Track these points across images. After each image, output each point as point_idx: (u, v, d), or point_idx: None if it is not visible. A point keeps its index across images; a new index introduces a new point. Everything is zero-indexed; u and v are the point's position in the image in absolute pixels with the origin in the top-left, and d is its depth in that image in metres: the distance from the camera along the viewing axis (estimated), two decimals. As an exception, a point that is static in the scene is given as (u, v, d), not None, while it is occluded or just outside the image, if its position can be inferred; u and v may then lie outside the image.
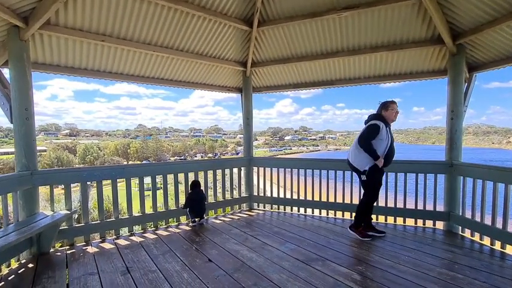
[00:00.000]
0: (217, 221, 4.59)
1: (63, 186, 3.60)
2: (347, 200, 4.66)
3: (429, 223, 4.27)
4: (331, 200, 4.78)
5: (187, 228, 4.23)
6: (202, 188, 4.56)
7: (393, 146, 3.67)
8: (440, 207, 4.16)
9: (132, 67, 4.31)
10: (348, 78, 5.05)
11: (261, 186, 5.54)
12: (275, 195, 5.26)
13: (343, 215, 4.76)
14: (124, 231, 4.13)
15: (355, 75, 4.98)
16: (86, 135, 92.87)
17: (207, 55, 4.69)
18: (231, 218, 4.79)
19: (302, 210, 5.04)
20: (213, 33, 4.40)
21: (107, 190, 4.00)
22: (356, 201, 4.64)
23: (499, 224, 3.40)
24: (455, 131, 4.04)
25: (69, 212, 3.42)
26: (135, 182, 4.23)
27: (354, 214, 4.65)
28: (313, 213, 4.97)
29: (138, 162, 65.79)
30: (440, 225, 4.19)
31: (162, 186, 4.46)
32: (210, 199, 4.93)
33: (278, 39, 4.71)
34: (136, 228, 4.21)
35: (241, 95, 5.52)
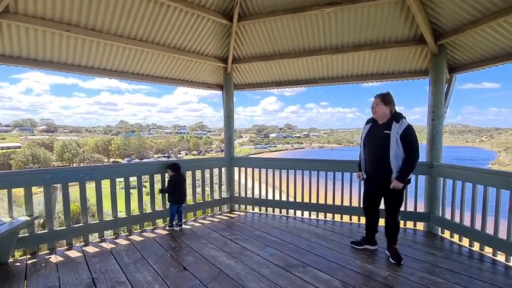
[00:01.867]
0: (196, 224, 4.39)
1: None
2: (329, 201, 4.59)
3: (410, 224, 4.27)
4: (314, 201, 4.69)
5: (164, 232, 4.01)
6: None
7: (374, 150, 3.10)
8: (421, 208, 4.16)
9: (103, 60, 4.00)
10: (331, 77, 4.96)
11: (243, 186, 5.37)
12: (257, 196, 5.13)
13: (325, 217, 4.68)
14: (95, 236, 3.85)
15: (338, 74, 4.90)
16: (64, 131, 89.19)
17: (185, 50, 4.45)
18: (210, 220, 4.60)
19: (284, 211, 4.93)
20: (191, 27, 4.17)
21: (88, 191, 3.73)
22: (338, 202, 4.58)
23: (477, 226, 3.42)
24: (436, 132, 4.04)
25: (29, 218, 3.11)
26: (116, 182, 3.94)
27: (335, 216, 4.61)
28: (295, 214, 4.87)
29: (120, 159, 64.02)
30: (420, 226, 4.20)
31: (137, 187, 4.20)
32: (189, 200, 4.71)
33: (260, 34, 4.54)
34: (108, 234, 3.95)
35: (223, 92, 5.31)
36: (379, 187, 3.17)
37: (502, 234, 3.16)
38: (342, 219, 4.62)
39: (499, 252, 3.22)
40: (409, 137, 2.89)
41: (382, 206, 3.32)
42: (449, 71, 4.22)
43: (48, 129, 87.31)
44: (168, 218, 4.38)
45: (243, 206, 5.27)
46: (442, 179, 3.95)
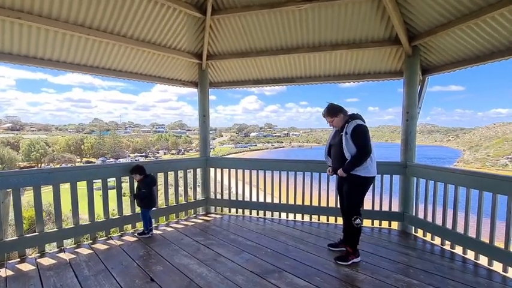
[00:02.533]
0: (169, 229, 4.14)
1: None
2: (307, 202, 4.52)
3: (385, 224, 4.30)
4: (291, 202, 4.61)
5: (132, 239, 3.73)
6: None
7: (335, 151, 3.24)
8: (396, 208, 4.20)
9: (63, 53, 3.64)
10: (308, 76, 4.89)
11: (219, 188, 5.18)
12: (234, 197, 4.96)
13: (302, 218, 4.61)
14: (53, 246, 3.50)
15: (316, 74, 4.84)
16: (32, 129, 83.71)
17: (156, 43, 4.17)
18: (184, 224, 4.37)
19: (262, 213, 4.80)
20: (161, 19, 3.89)
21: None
22: (316, 202, 4.53)
23: (449, 225, 3.49)
24: (409, 133, 4.08)
25: (-29, 230, 2.74)
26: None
27: (312, 217, 4.56)
28: (272, 216, 4.76)
29: (94, 159, 61.16)
30: (395, 225, 4.24)
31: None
32: (161, 204, 4.46)
33: (235, 30, 4.36)
34: (69, 243, 3.61)
35: (198, 90, 5.08)
36: (341, 185, 3.27)
37: (472, 233, 3.23)
38: (319, 220, 4.58)
39: (468, 250, 3.28)
40: (356, 135, 2.96)
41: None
42: (422, 72, 4.28)
43: (14, 127, 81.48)
44: (138, 224, 4.11)
45: (219, 209, 5.08)
46: (415, 178, 4.00)
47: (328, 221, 4.50)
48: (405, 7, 3.51)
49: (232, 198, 5.02)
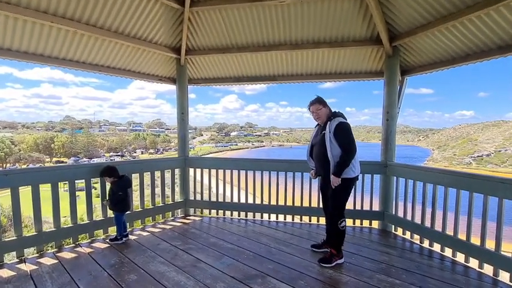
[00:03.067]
0: (144, 233, 3.89)
1: None
2: (289, 202, 4.45)
3: (366, 223, 4.32)
4: (273, 202, 4.51)
5: (103, 246, 3.45)
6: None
7: (317, 150, 3.13)
8: (376, 207, 4.23)
9: (24, 42, 3.28)
10: (290, 74, 4.81)
11: (198, 188, 4.98)
12: (214, 198, 4.79)
13: (285, 218, 4.53)
14: (12, 256, 3.15)
15: (297, 72, 4.77)
16: (-5, 127, 77.69)
17: (129, 35, 3.87)
18: (161, 228, 4.13)
19: (243, 214, 4.66)
20: (135, 8, 3.62)
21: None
22: (298, 202, 4.47)
23: (427, 223, 3.54)
24: (390, 132, 4.12)
25: None
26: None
27: (294, 217, 4.49)
28: (254, 217, 4.64)
29: (65, 159, 57.99)
30: (376, 224, 4.27)
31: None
32: (136, 206, 4.19)
33: (216, 24, 4.17)
34: (30, 252, 3.27)
35: (176, 86, 4.83)
36: (325, 185, 3.20)
37: (449, 231, 3.29)
38: (301, 220, 4.52)
39: (446, 248, 3.35)
40: (339, 132, 2.89)
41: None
42: (401, 73, 4.34)
43: (-26, 124, 75.28)
44: (111, 229, 3.82)
45: (198, 210, 4.88)
46: (395, 178, 4.04)
47: (310, 221, 4.45)
48: (387, 6, 3.51)
49: (212, 199, 4.83)
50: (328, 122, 2.98)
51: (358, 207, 4.25)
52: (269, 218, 4.59)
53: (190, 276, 2.73)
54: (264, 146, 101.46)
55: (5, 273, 2.75)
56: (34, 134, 65.79)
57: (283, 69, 4.73)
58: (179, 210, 4.76)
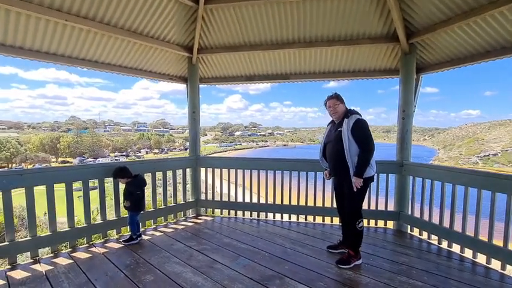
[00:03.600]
0: (157, 233, 3.86)
1: None
2: (302, 202, 4.39)
3: (381, 223, 4.25)
4: (286, 202, 4.46)
5: (117, 246, 3.42)
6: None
7: (331, 149, 3.06)
8: (391, 207, 4.16)
9: (37, 41, 3.26)
10: (302, 73, 4.75)
11: (210, 188, 4.94)
12: (226, 198, 4.74)
13: (297, 218, 4.48)
14: (26, 257, 3.14)
15: (310, 70, 4.70)
16: (1, 127, 78.77)
17: (142, 33, 3.84)
18: (174, 228, 4.10)
19: (255, 214, 4.62)
20: (149, 6, 3.58)
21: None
22: (311, 202, 4.40)
23: (446, 223, 3.46)
24: (406, 131, 4.04)
25: None
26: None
27: (307, 217, 4.44)
28: (266, 217, 4.59)
29: (71, 159, 58.49)
30: (390, 224, 4.20)
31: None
32: (149, 206, 4.16)
33: (229, 21, 4.12)
34: (45, 252, 3.26)
35: (187, 85, 4.80)
36: (340, 185, 3.13)
37: (470, 231, 3.21)
38: (314, 220, 4.46)
39: (466, 249, 3.27)
40: (358, 130, 2.82)
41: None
42: (417, 71, 4.25)
43: (-19, 125, 76.27)
44: (123, 229, 3.80)
45: (210, 210, 4.84)
46: (411, 177, 3.96)
47: (323, 221, 4.39)
48: (405, 2, 3.44)
49: (223, 199, 4.78)
50: (345, 119, 2.90)
51: (372, 207, 4.18)
52: (281, 218, 4.54)
53: (207, 277, 2.69)
54: (268, 145, 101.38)
55: (19, 274, 2.72)
56: (40, 134, 66.48)
57: (296, 67, 4.67)
58: (190, 210, 4.73)
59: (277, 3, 3.75)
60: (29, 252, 3.05)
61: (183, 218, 4.60)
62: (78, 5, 3.14)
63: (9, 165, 49.37)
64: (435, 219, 3.62)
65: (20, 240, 2.98)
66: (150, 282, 2.59)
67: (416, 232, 3.91)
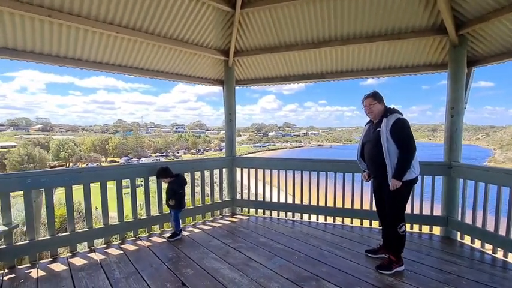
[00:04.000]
0: (196, 230, 4.05)
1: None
2: (338, 204, 4.28)
3: (426, 228, 3.97)
4: (321, 203, 4.38)
5: (160, 240, 3.66)
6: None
7: (370, 149, 2.92)
8: (438, 212, 3.86)
9: (92, 51, 3.64)
10: (340, 71, 4.63)
11: (245, 188, 5.05)
12: (260, 198, 4.80)
13: (334, 220, 4.37)
14: (84, 246, 3.50)
15: (347, 68, 4.57)
16: (60, 130, 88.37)
17: (183, 40, 4.07)
18: (211, 225, 4.26)
19: (290, 215, 4.61)
20: (189, 14, 3.79)
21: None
22: (348, 204, 4.27)
23: (502, 231, 3.12)
24: (455, 130, 3.73)
25: (6, 228, 2.76)
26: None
27: (344, 219, 4.30)
28: (301, 218, 4.55)
29: (117, 159, 63.47)
30: (437, 230, 3.90)
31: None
32: (188, 204, 4.37)
33: (265, 24, 4.17)
34: (99, 243, 3.60)
35: (223, 88, 4.96)
36: (379, 188, 2.99)
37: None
38: (352, 223, 4.31)
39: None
40: (398, 130, 2.66)
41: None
42: (468, 64, 3.90)
43: (44, 128, 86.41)
44: (165, 225, 4.05)
45: (245, 209, 4.94)
46: (461, 180, 3.64)
47: (361, 224, 4.23)
48: (454, -10, 3.18)
49: (259, 199, 4.85)
50: (384, 119, 2.76)
51: (416, 211, 3.92)
52: (317, 220, 4.47)
53: (243, 274, 2.76)
54: (302, 146, 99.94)
55: (78, 261, 3.05)
56: (92, 136, 73.39)
57: (333, 66, 4.57)
58: (226, 208, 4.87)
59: (313, 2, 3.70)
60: (86, 242, 3.40)
61: (220, 216, 4.75)
62: (127, 18, 3.44)
63: (67, 164, 55.19)
64: (489, 226, 3.29)
65: (79, 231, 3.34)
66: (190, 276, 2.73)
67: (467, 240, 3.58)
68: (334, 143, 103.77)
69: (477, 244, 3.46)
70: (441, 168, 3.79)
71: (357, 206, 4.21)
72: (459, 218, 3.68)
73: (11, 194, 2.94)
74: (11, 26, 2.97)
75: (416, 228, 4.01)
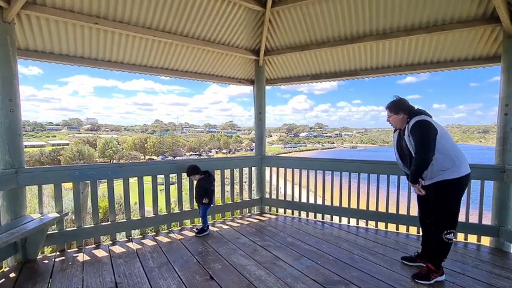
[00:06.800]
0: (225, 226, 4.13)
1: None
2: (372, 207, 4.07)
3: (473, 238, 3.61)
4: (353, 206, 4.20)
5: (191, 234, 3.80)
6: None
7: (404, 155, 2.77)
8: (487, 221, 3.49)
9: (133, 55, 3.89)
10: (375, 68, 4.40)
11: (274, 187, 5.03)
12: (289, 198, 4.75)
13: (366, 224, 4.17)
14: (122, 235, 3.76)
15: (384, 64, 4.32)
16: (106, 129, 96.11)
17: (215, 41, 4.19)
18: (239, 223, 4.32)
19: (319, 216, 4.49)
20: (221, 15, 3.89)
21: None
22: (383, 208, 4.04)
23: None
24: (510, 129, 3.34)
25: (58, 215, 3.07)
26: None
27: (378, 224, 4.07)
28: (331, 220, 4.41)
29: (155, 156, 67.23)
30: (486, 241, 3.53)
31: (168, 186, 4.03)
32: (218, 201, 4.49)
33: (295, 21, 4.12)
34: (135, 233, 3.85)
35: (254, 87, 5.00)
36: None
37: None
38: (386, 227, 4.08)
39: None
40: (414, 133, 2.50)
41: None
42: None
43: (93, 128, 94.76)
44: (196, 220, 4.19)
45: (273, 209, 4.93)
46: (517, 186, 3.25)
47: (397, 229, 3.98)
48: (508, -26, 2.86)
49: (287, 199, 4.80)
50: (407, 126, 2.61)
51: (461, 218, 3.57)
52: (348, 223, 4.30)
53: (270, 273, 2.75)
54: (334, 147, 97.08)
55: (118, 249, 3.29)
56: (133, 136, 78.73)
57: (367, 62, 4.36)
58: (255, 207, 4.90)
59: (346, -3, 3.57)
60: (124, 232, 3.65)
61: (248, 214, 4.79)
62: (163, 22, 3.63)
63: (111, 161, 59.84)
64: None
65: (119, 221, 3.60)
66: (218, 270, 2.79)
67: (523, 253, 3.19)
68: (370, 145, 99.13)
69: (535, 259, 3.07)
70: (492, 172, 3.42)
71: (392, 210, 3.97)
72: (513, 229, 3.29)
73: (63, 185, 3.26)
74: (65, 34, 3.29)
75: (461, 237, 3.66)
